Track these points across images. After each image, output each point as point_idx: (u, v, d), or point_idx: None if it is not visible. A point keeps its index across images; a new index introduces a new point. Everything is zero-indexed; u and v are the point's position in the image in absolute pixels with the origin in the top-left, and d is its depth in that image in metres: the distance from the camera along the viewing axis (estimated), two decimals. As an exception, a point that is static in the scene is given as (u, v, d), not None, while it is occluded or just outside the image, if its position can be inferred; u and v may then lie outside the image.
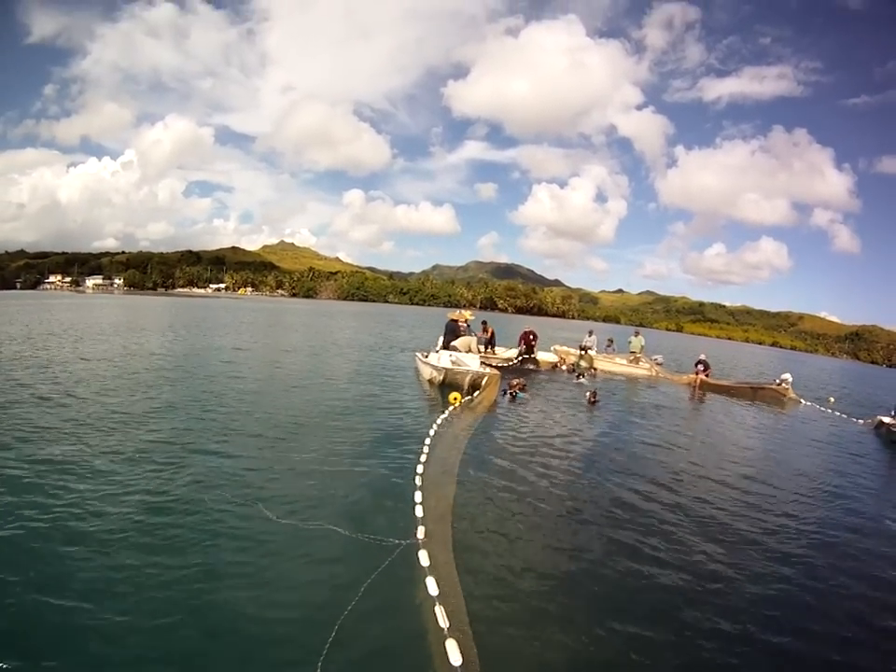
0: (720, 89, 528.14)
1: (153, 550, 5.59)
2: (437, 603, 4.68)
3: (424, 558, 5.47)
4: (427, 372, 18.17)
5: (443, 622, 4.45)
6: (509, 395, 15.92)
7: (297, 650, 4.37)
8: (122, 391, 12.76)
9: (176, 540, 5.85)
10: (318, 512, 6.71)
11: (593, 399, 16.28)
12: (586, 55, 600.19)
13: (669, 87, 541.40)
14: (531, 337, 24.57)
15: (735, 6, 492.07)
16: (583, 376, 22.21)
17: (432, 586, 4.93)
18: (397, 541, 5.96)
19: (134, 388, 13.21)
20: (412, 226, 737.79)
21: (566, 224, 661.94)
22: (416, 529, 6.19)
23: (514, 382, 16.47)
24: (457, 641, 4.22)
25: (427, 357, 19.27)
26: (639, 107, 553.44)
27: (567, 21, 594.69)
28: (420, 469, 8.31)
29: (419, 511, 6.72)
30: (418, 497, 7.14)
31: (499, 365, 21.04)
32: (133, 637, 4.36)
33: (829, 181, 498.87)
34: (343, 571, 5.52)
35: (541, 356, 25.22)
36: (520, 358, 23.82)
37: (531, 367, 23.80)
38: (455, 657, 4.07)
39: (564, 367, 24.98)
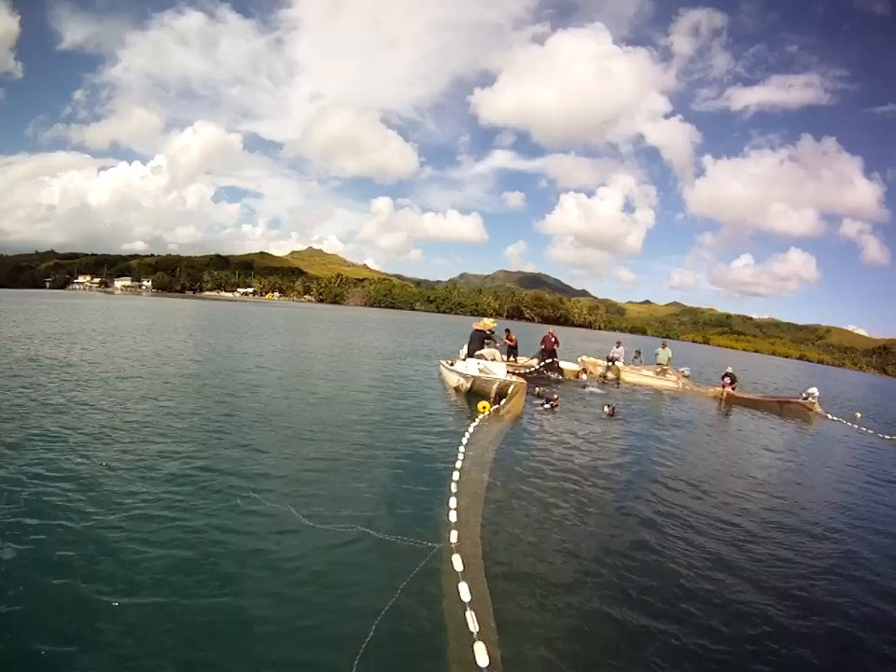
0: (747, 98, 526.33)
1: (185, 555, 5.64)
2: (467, 608, 4.78)
3: (457, 563, 5.57)
4: (453, 380, 18.22)
5: (473, 625, 4.55)
6: (550, 405, 16.05)
7: (333, 650, 4.47)
8: (152, 390, 13.00)
9: (208, 542, 5.94)
10: (350, 515, 6.82)
11: (611, 412, 16.23)
12: (613, 63, 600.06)
13: (696, 96, 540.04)
14: (553, 340, 24.61)
15: (761, 13, 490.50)
16: (587, 386, 22.20)
17: (464, 591, 5.03)
18: (430, 545, 6.08)
19: (164, 388, 13.46)
20: (439, 234, 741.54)
21: (593, 234, 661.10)
22: (450, 534, 6.29)
23: (555, 396, 16.58)
24: (485, 645, 4.34)
25: (452, 364, 19.40)
26: (667, 116, 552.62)
27: (594, 28, 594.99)
28: (456, 475, 8.40)
29: (453, 517, 6.82)
30: (453, 502, 7.24)
31: (522, 372, 21.08)
32: (163, 639, 4.43)
33: (858, 191, 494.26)
34: (377, 573, 5.64)
35: (564, 365, 25.20)
36: (542, 365, 23.81)
37: (554, 375, 23.75)
38: (483, 659, 4.19)
39: (585, 377, 24.88)
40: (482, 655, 4.23)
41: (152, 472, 7.78)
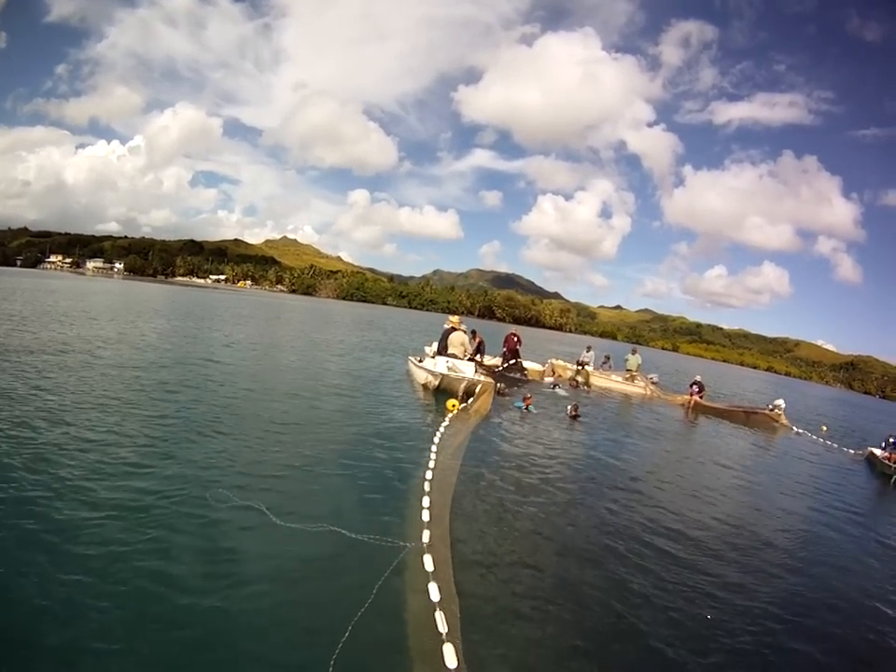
0: (731, 113, 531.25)
1: (149, 554, 5.46)
2: (437, 608, 4.80)
3: (428, 562, 5.57)
4: (421, 377, 18.33)
5: (442, 626, 4.57)
6: (525, 406, 16.21)
7: (310, 650, 4.48)
8: (113, 381, 12.55)
9: (174, 540, 5.81)
10: (321, 514, 6.73)
11: (574, 413, 16.31)
12: (600, 68, 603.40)
13: (681, 108, 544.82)
14: (515, 340, 24.68)
15: (752, 30, 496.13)
16: (558, 386, 22.44)
17: (434, 591, 5.04)
18: (402, 544, 6.09)
19: (128, 380, 12.96)
20: (414, 229, 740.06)
21: (568, 237, 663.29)
22: (422, 533, 6.27)
23: (528, 396, 16.75)
24: (454, 646, 4.36)
25: (420, 361, 19.46)
26: (650, 125, 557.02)
27: (584, 33, 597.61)
28: (429, 475, 8.32)
29: (426, 516, 6.79)
30: (426, 501, 7.19)
31: (486, 372, 21.02)
32: (133, 644, 4.33)
33: (835, 210, 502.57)
34: (352, 573, 5.63)
35: (529, 365, 25.37)
36: (505, 365, 23.82)
37: (517, 375, 23.78)
38: (451, 661, 4.21)
39: (551, 378, 25.08)
40: (450, 656, 4.24)
41: (115, 466, 7.53)
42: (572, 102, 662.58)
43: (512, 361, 24.09)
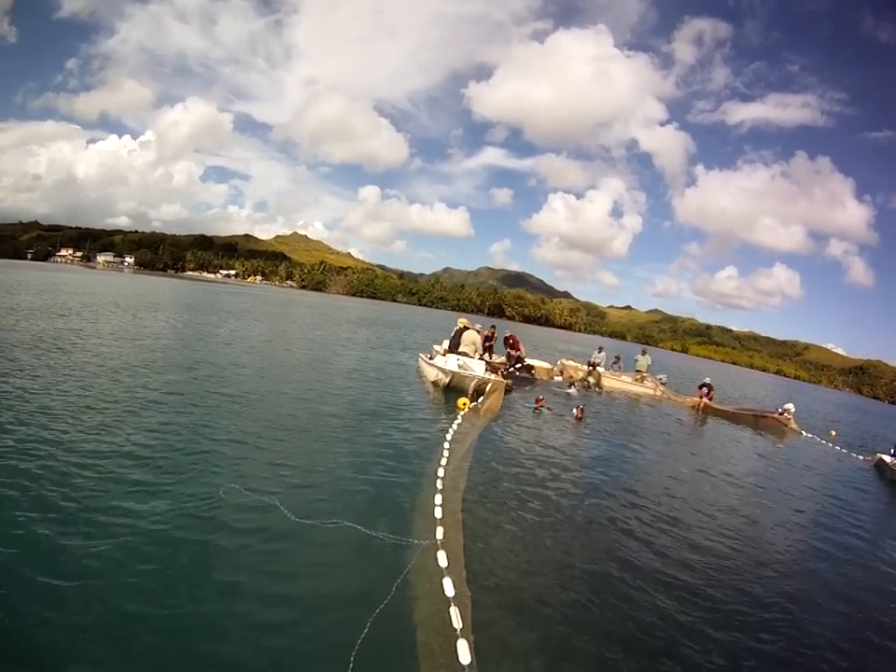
0: (743, 113, 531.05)
1: (165, 552, 5.46)
2: (452, 604, 4.86)
3: (442, 559, 5.64)
4: (431, 374, 18.38)
5: (457, 622, 4.63)
6: (536, 406, 16.25)
7: (330, 647, 4.52)
8: (130, 379, 12.46)
9: (191, 538, 5.80)
10: (337, 511, 6.77)
11: (580, 416, 16.22)
12: (612, 66, 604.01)
13: (693, 107, 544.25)
14: (512, 342, 24.99)
15: (766, 30, 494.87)
16: (574, 386, 22.40)
17: (448, 587, 5.10)
18: (418, 542, 6.14)
19: (142, 377, 12.86)
20: (425, 226, 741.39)
21: (579, 236, 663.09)
22: (435, 529, 6.34)
23: (541, 397, 16.77)
24: (468, 641, 4.42)
25: (431, 358, 19.49)
26: (662, 123, 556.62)
27: (596, 30, 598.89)
28: (441, 472, 8.42)
29: (439, 513, 6.85)
30: (438, 499, 7.26)
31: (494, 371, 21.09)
32: (151, 642, 4.34)
33: (848, 212, 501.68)
34: (367, 569, 5.68)
35: (536, 363, 25.56)
36: (518, 366, 24.02)
37: (525, 374, 23.97)
38: (465, 656, 4.26)
39: (560, 378, 25.28)
40: (464, 652, 4.30)
41: (129, 461, 7.55)
42: (584, 99, 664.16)
43: (516, 363, 24.30)
